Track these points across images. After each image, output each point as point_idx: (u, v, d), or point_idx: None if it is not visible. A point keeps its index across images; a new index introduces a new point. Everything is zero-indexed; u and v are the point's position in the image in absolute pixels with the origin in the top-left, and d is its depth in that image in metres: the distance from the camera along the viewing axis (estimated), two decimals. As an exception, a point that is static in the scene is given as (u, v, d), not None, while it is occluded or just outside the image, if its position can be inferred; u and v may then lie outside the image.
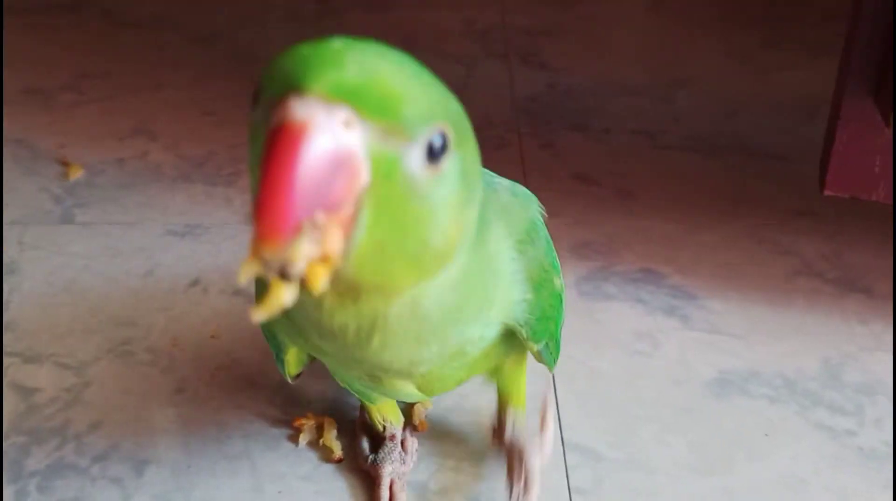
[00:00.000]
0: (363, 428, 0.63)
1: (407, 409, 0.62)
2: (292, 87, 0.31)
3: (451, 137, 0.34)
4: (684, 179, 0.98)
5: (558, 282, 0.51)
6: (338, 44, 0.33)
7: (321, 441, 0.62)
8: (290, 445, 0.62)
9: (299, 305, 0.36)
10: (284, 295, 0.32)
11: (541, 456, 0.57)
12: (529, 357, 0.54)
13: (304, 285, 0.32)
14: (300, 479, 0.60)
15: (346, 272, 0.34)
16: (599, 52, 1.25)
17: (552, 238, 0.51)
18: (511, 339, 0.48)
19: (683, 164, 1.02)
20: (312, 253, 0.31)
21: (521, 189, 0.51)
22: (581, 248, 0.84)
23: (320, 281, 0.32)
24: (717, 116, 1.14)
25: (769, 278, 0.81)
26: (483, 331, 0.45)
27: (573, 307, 0.76)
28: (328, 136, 0.31)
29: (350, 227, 0.32)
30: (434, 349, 0.43)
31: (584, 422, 0.64)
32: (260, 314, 0.33)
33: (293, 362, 0.53)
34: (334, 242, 0.32)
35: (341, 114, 0.31)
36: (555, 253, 0.51)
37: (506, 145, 1.05)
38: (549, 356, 0.52)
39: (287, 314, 0.42)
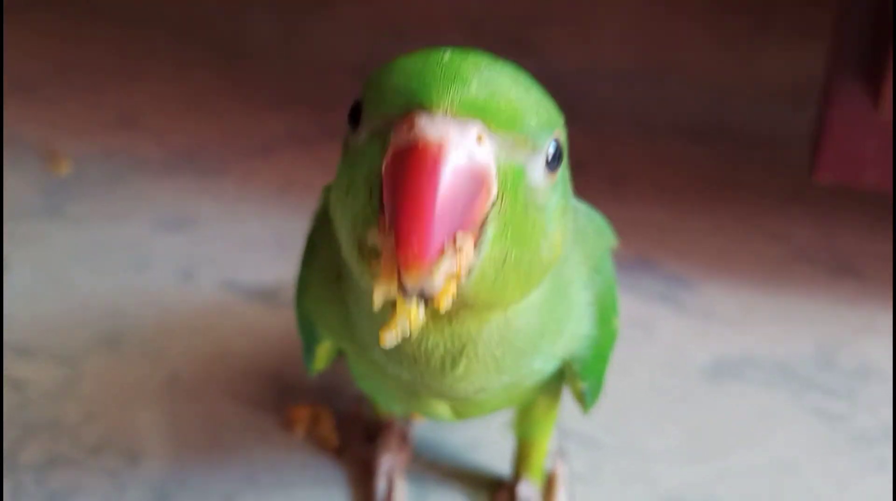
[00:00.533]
0: (360, 419, 0.62)
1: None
2: (417, 104, 0.30)
3: (564, 143, 0.34)
4: (675, 165, 0.99)
5: (615, 322, 0.48)
6: (449, 56, 0.32)
7: (317, 431, 0.62)
8: (284, 436, 0.62)
9: (371, 322, 0.36)
10: (417, 317, 0.32)
11: None
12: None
13: (430, 304, 0.31)
14: (296, 469, 0.60)
15: (465, 289, 0.32)
16: (588, 39, 1.25)
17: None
18: (556, 379, 0.46)
19: (674, 150, 1.02)
20: (450, 270, 0.31)
21: (598, 216, 0.49)
22: (574, 235, 0.84)
23: (447, 299, 0.31)
24: (707, 102, 1.14)
25: (762, 264, 0.81)
26: (546, 364, 0.43)
27: (567, 295, 0.76)
28: (464, 153, 0.30)
29: (477, 243, 0.32)
30: (506, 378, 0.41)
31: (579, 410, 0.64)
32: (392, 339, 0.32)
33: (323, 356, 0.49)
34: (468, 257, 0.31)
35: (474, 129, 0.30)
36: (616, 292, 0.48)
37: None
38: (590, 398, 0.49)
39: (347, 322, 0.42)
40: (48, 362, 0.69)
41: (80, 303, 0.76)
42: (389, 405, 0.54)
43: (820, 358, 0.70)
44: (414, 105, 0.30)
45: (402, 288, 0.30)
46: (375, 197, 0.31)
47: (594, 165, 0.97)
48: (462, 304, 0.34)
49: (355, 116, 0.34)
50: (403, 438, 0.60)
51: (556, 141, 0.33)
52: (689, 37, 1.24)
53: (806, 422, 0.64)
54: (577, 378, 0.45)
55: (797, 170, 0.94)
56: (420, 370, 0.39)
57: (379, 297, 0.31)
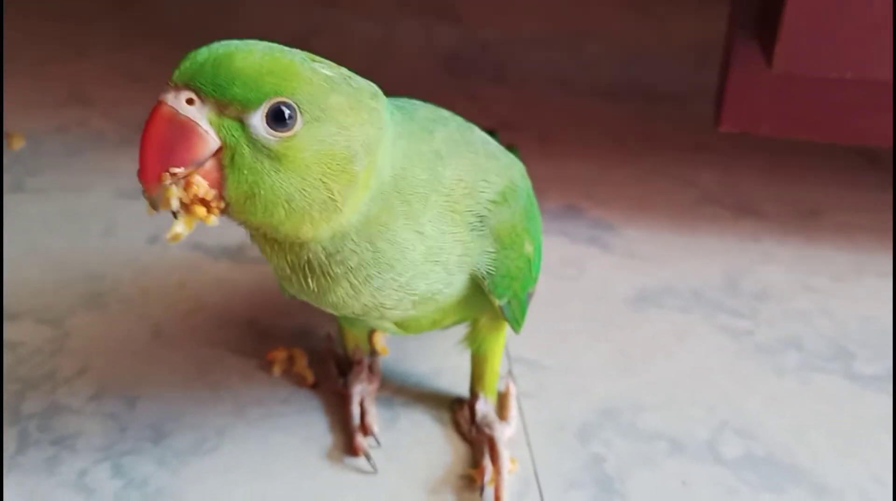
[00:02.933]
0: (332, 356, 0.70)
1: (368, 336, 0.70)
2: (170, 79, 0.43)
3: (302, 107, 0.43)
4: (594, 123, 1.08)
5: (529, 248, 0.56)
6: (212, 45, 0.44)
7: (294, 369, 0.69)
8: (265, 375, 0.69)
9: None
10: (176, 227, 0.44)
11: (507, 433, 0.63)
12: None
13: (201, 219, 0.44)
14: (279, 403, 0.67)
15: (237, 214, 0.45)
16: (509, 8, 1.32)
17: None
18: (480, 294, 0.54)
19: (593, 109, 1.12)
20: (182, 196, 0.43)
21: (507, 157, 0.57)
22: (508, 189, 0.93)
23: (208, 218, 0.44)
24: (621, 64, 1.23)
25: (675, 207, 0.91)
26: (444, 279, 0.51)
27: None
28: (172, 110, 0.42)
29: (220, 181, 0.43)
30: (396, 295, 0.50)
31: (524, 338, 0.73)
32: (169, 240, 0.44)
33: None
34: (202, 189, 0.43)
35: (184, 94, 0.42)
36: (534, 221, 0.57)
37: (431, 100, 1.12)
38: (511, 315, 0.57)
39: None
40: (35, 324, 0.74)
41: (57, 268, 0.81)
42: (352, 322, 0.65)
43: (727, 285, 0.80)
44: (170, 80, 0.43)
45: (150, 202, 0.43)
46: None
47: (522, 126, 1.06)
48: (256, 228, 0.46)
49: None
50: (371, 370, 0.68)
51: (282, 102, 0.43)
52: (603, 3, 1.33)
53: (717, 338, 0.74)
54: (490, 294, 0.54)
55: (702, 123, 1.05)
56: (296, 287, 0.50)
57: (148, 209, 0.44)
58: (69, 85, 1.14)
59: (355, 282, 0.49)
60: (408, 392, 0.68)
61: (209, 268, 0.81)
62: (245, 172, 0.43)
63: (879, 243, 0.85)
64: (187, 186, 0.43)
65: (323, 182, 0.44)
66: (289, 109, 0.43)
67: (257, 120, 0.43)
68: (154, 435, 0.64)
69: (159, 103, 0.42)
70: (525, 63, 1.24)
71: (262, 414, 0.66)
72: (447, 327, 0.61)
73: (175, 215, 0.44)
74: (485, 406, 0.64)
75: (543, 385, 0.69)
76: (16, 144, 1.00)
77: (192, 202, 0.43)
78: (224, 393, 0.68)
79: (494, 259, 0.53)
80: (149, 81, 1.16)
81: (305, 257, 0.48)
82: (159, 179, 0.42)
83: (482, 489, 0.59)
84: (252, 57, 0.43)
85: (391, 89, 0.51)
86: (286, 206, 0.44)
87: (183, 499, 0.59)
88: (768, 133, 0.83)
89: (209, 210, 0.44)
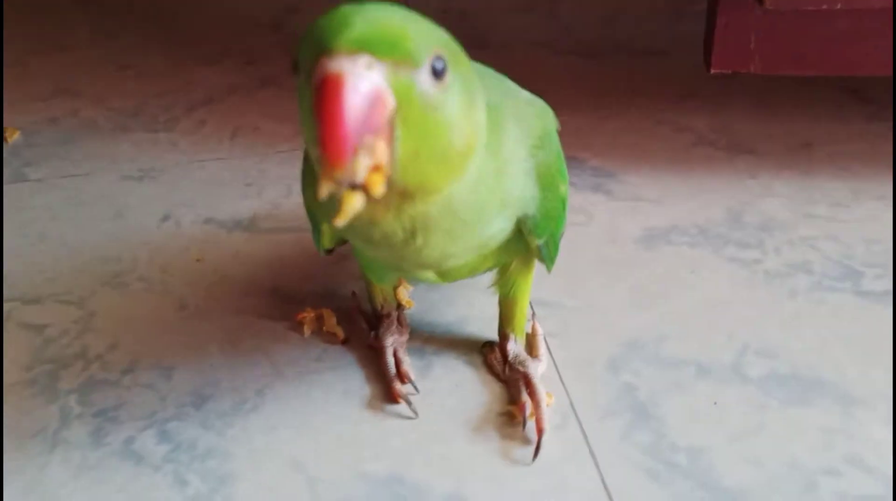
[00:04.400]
0: (359, 312, 0.71)
1: (393, 291, 0.71)
2: (321, 51, 0.40)
3: (447, 58, 0.43)
4: (583, 80, 1.10)
5: (563, 188, 0.58)
6: (345, 9, 0.42)
7: (324, 328, 0.71)
8: (296, 336, 0.70)
9: (349, 227, 0.46)
10: (356, 202, 0.42)
11: (540, 369, 0.65)
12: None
13: (367, 191, 0.41)
14: (314, 361, 0.68)
15: (395, 178, 0.43)
16: (487, -26, 1.33)
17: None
18: (519, 238, 0.56)
19: (577, 69, 1.13)
20: (369, 165, 0.40)
21: (540, 102, 0.59)
22: (508, 146, 0.94)
23: (379, 186, 0.41)
24: (598, 24, 1.25)
25: (672, 152, 0.93)
26: (502, 225, 0.53)
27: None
28: (358, 78, 0.40)
29: (391, 143, 0.41)
30: (462, 243, 0.51)
31: (544, 283, 0.74)
32: (341, 221, 0.42)
33: (326, 239, 0.60)
34: (383, 154, 0.41)
35: (362, 60, 0.40)
36: (564, 163, 0.58)
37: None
38: (547, 254, 0.59)
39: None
40: (58, 306, 0.75)
41: (70, 254, 0.81)
42: (384, 277, 0.66)
43: (730, 220, 0.82)
44: (321, 51, 0.40)
45: (336, 182, 0.40)
46: (312, 122, 0.41)
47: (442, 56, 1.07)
48: (400, 191, 0.44)
49: (295, 65, 0.44)
50: (400, 322, 0.69)
51: (438, 56, 0.42)
52: (577, -37, 1.34)
53: (728, 268, 0.76)
54: (531, 235, 0.56)
55: (688, 72, 1.07)
56: (387, 247, 0.50)
57: (324, 191, 0.40)
58: (53, 78, 1.14)
59: (454, 232, 0.50)
60: (437, 341, 0.70)
61: (225, 241, 0.82)
62: (416, 128, 0.42)
63: (872, 169, 0.88)
64: (374, 154, 0.41)
65: (469, 124, 0.45)
66: (442, 60, 0.43)
67: (425, 75, 0.42)
68: (195, 400, 0.65)
69: (334, 76, 0.39)
70: (504, 29, 1.25)
71: (298, 372, 0.67)
72: (480, 274, 0.62)
73: (354, 187, 0.41)
74: (516, 346, 0.66)
75: (567, 324, 0.71)
76: (10, 137, 1.00)
77: (373, 171, 0.41)
78: (258, 356, 0.69)
79: (538, 201, 0.54)
80: (132, 69, 1.16)
81: (423, 212, 0.47)
82: (356, 152, 0.40)
83: (524, 422, 0.61)
84: (403, 16, 0.43)
85: None
86: (445, 155, 0.44)
87: (233, 457, 0.60)
88: (759, 71, 0.85)
89: (382, 176, 0.42)
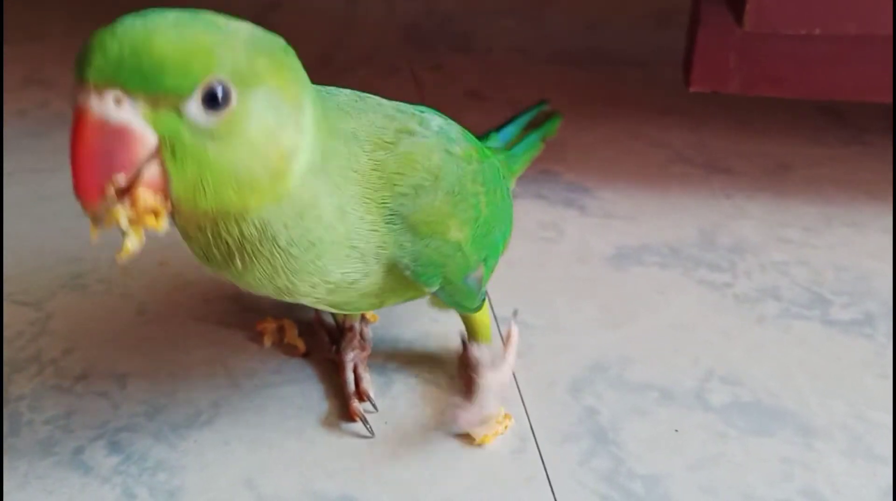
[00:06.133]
0: (321, 324, 0.70)
1: (357, 304, 0.70)
2: (78, 78, 0.38)
3: (233, 81, 0.39)
4: (561, 89, 1.09)
5: (459, 234, 0.52)
6: (110, 28, 0.38)
7: (284, 339, 0.69)
8: (255, 346, 0.69)
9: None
10: (129, 244, 0.42)
11: (496, 381, 0.61)
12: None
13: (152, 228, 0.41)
14: (272, 373, 0.67)
15: (185, 207, 0.41)
16: (472, -22, 1.32)
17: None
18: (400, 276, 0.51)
19: (557, 76, 1.13)
20: (129, 214, 0.40)
21: (437, 126, 0.53)
22: (483, 156, 0.93)
23: (160, 225, 0.41)
24: (581, 32, 1.24)
25: (647, 168, 0.93)
26: (357, 267, 0.49)
27: (484, 207, 0.85)
28: (97, 116, 0.37)
29: (163, 179, 0.39)
30: (301, 278, 0.48)
31: (509, 299, 0.74)
32: (121, 259, 0.42)
33: None
34: (147, 199, 0.39)
35: (110, 95, 0.37)
36: (471, 206, 0.53)
37: (397, 71, 1.12)
38: (451, 300, 0.55)
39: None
40: (14, 306, 0.73)
41: (31, 252, 0.80)
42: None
43: (702, 240, 0.82)
44: (77, 79, 0.38)
45: (96, 223, 0.40)
46: None
47: (491, 95, 1.07)
48: (202, 213, 0.42)
49: None
50: (363, 337, 0.68)
51: (213, 83, 0.39)
52: (563, -29, 1.33)
53: (697, 291, 0.76)
54: (417, 282, 0.52)
55: (667, 86, 1.06)
56: (212, 267, 0.47)
57: (94, 234, 0.41)
58: (23, 69, 1.12)
59: (277, 261, 0.46)
60: (400, 357, 0.69)
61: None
62: (189, 163, 0.39)
63: (846, 195, 0.88)
64: (133, 202, 0.39)
65: (267, 151, 0.41)
66: (223, 86, 0.39)
67: (194, 106, 0.39)
68: (148, 410, 0.64)
69: (82, 111, 0.37)
70: (488, 34, 1.24)
71: (255, 385, 0.66)
72: (397, 304, 0.58)
73: (124, 233, 0.41)
74: (478, 350, 0.63)
75: (531, 344, 0.70)
76: (-23, 129, 0.98)
77: (141, 215, 0.40)
78: (216, 366, 0.67)
79: (412, 251, 0.50)
80: (109, 61, 1.14)
81: (236, 235, 0.44)
82: (102, 194, 0.38)
83: (453, 421, 0.60)
84: (171, 36, 0.38)
85: (355, 62, 0.51)
86: (235, 184, 0.41)
87: (184, 471, 0.59)
88: (738, 92, 0.84)
89: (158, 216, 0.41)
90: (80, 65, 0.38)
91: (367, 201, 0.48)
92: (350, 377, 0.65)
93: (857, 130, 0.99)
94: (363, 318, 0.70)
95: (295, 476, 0.58)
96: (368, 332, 0.69)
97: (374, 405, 0.63)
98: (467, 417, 0.59)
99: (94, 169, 0.38)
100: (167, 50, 0.38)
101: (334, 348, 0.67)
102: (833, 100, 0.93)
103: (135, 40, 0.38)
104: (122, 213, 0.39)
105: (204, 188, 0.40)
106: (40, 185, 0.89)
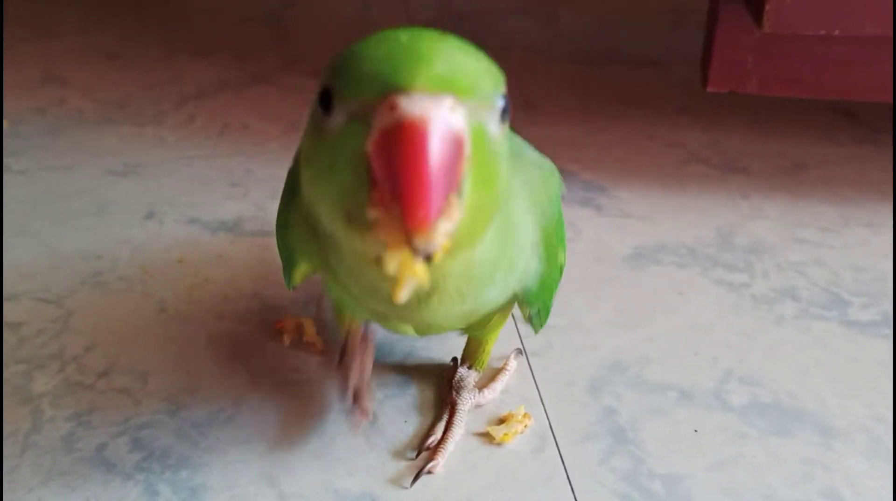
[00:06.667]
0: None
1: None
2: (394, 87, 0.34)
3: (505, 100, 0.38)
4: (576, 88, 1.09)
5: (562, 256, 0.54)
6: (408, 38, 0.36)
7: (303, 338, 0.70)
8: (275, 344, 0.69)
9: (349, 270, 0.43)
10: (422, 273, 0.36)
11: (471, 402, 0.62)
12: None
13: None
14: (291, 371, 0.67)
15: (459, 238, 0.36)
16: (486, -23, 1.32)
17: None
18: (507, 303, 0.52)
19: (573, 76, 1.13)
20: (449, 229, 0.34)
21: (548, 164, 0.54)
22: (499, 155, 0.94)
23: (444, 252, 0.35)
24: (596, 31, 1.24)
25: (663, 167, 0.93)
26: (501, 294, 0.49)
27: (501, 206, 0.86)
28: (445, 124, 0.33)
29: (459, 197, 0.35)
30: (468, 307, 0.46)
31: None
32: (404, 295, 0.36)
33: (298, 276, 0.55)
34: (457, 214, 0.35)
35: (447, 102, 0.34)
36: (564, 228, 0.55)
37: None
38: (537, 321, 0.55)
39: (327, 261, 0.47)
40: (36, 304, 0.74)
41: (50, 250, 0.80)
42: (359, 316, 0.61)
43: (719, 240, 0.82)
44: (391, 88, 0.34)
45: (412, 250, 0.34)
46: (363, 174, 0.34)
47: (508, 94, 1.07)
48: (445, 249, 0.37)
49: (326, 102, 0.36)
50: (366, 342, 0.64)
51: (504, 96, 0.37)
52: (576, -30, 1.33)
53: (714, 292, 0.76)
54: (525, 305, 0.52)
55: (682, 85, 1.06)
56: (390, 303, 0.41)
57: (392, 262, 0.35)
58: (42, 65, 1.12)
59: (468, 292, 0.45)
60: (394, 365, 0.68)
61: (208, 243, 0.81)
62: (482, 179, 0.36)
63: (862, 195, 0.88)
64: (450, 215, 0.34)
65: (503, 180, 0.39)
66: (507, 99, 0.37)
67: (494, 117, 0.37)
68: (170, 408, 0.64)
69: (418, 118, 0.33)
70: (502, 33, 1.24)
71: (275, 383, 0.66)
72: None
73: (426, 257, 0.35)
74: (466, 373, 0.63)
75: (551, 344, 0.70)
76: (-3, 125, 0.99)
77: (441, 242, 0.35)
78: (236, 364, 0.68)
79: (537, 275, 0.50)
80: (122, 59, 1.15)
81: (446, 272, 0.42)
82: (440, 214, 0.33)
83: (423, 449, 0.60)
84: (469, 48, 0.37)
85: None
86: (494, 208, 0.38)
87: (206, 468, 0.59)
88: (755, 92, 0.84)
89: (449, 240, 0.35)
90: (395, 72, 0.34)
91: (522, 226, 0.47)
92: (352, 390, 0.61)
93: (872, 130, 0.99)
94: (366, 331, 0.65)
95: (316, 473, 0.59)
96: (373, 335, 0.65)
97: (372, 417, 0.61)
98: (441, 445, 0.59)
99: (439, 184, 0.33)
100: (482, 61, 0.36)
101: (337, 357, 0.64)
102: (848, 100, 0.92)
103: (449, 48, 0.35)
104: (443, 229, 0.34)
105: (477, 211, 0.36)
106: (57, 183, 0.90)
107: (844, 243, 0.81)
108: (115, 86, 1.08)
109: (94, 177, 0.90)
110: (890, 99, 0.82)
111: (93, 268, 0.78)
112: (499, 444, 0.61)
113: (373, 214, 0.35)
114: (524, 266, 0.49)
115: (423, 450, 0.60)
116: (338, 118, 0.36)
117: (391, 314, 0.49)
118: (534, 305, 0.52)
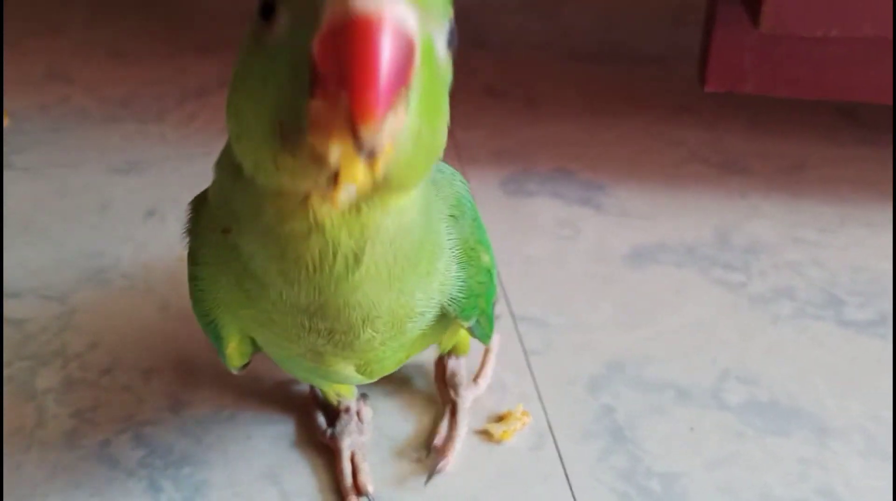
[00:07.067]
0: (316, 403, 0.64)
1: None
2: None
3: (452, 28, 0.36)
4: (578, 86, 1.09)
5: (486, 258, 0.51)
6: None
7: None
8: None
9: (272, 244, 0.40)
10: (360, 175, 0.34)
11: (471, 396, 0.62)
12: None
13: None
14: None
15: (388, 165, 0.35)
16: (487, -27, 1.32)
17: (473, 147, 0.55)
18: (445, 318, 0.49)
19: (574, 73, 1.13)
20: (395, 128, 0.33)
21: (445, 166, 0.51)
22: (500, 154, 0.94)
23: (385, 163, 0.34)
24: (597, 28, 1.25)
25: (663, 166, 0.93)
26: (427, 302, 0.46)
27: (501, 205, 0.86)
28: (398, 21, 0.32)
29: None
30: (390, 299, 0.43)
31: (527, 298, 0.74)
32: (344, 198, 0.36)
33: (236, 354, 0.52)
34: (402, 122, 0.33)
35: (400, 3, 0.32)
36: (483, 228, 0.52)
37: (414, 67, 1.12)
38: (480, 331, 0.53)
39: (244, 285, 0.44)
40: (39, 301, 0.74)
41: (54, 246, 0.81)
42: (313, 381, 0.59)
43: (718, 240, 0.82)
44: None
45: (356, 143, 0.32)
46: (304, 76, 0.33)
47: (509, 92, 1.07)
48: (373, 184, 0.36)
49: (267, 9, 0.35)
50: (361, 418, 0.62)
51: (451, 21, 0.36)
52: (578, -33, 1.33)
53: (713, 291, 0.76)
54: (458, 318, 0.49)
55: (684, 83, 1.07)
56: (319, 279, 0.40)
57: (334, 151, 0.33)
58: (46, 61, 1.12)
59: (395, 270, 0.42)
60: (403, 440, 0.63)
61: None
62: (424, 100, 0.35)
63: (861, 195, 0.88)
64: (395, 117, 0.33)
65: (445, 117, 0.38)
66: (453, 26, 0.36)
67: (442, 38, 0.35)
68: (173, 405, 0.65)
69: (372, 14, 0.31)
70: (504, 29, 1.24)
71: (277, 382, 0.67)
72: (403, 363, 0.54)
73: (369, 157, 0.34)
74: (455, 363, 0.63)
75: (550, 342, 0.70)
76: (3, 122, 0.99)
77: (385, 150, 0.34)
78: (238, 362, 0.68)
79: (459, 281, 0.48)
80: (127, 56, 1.15)
81: (377, 225, 0.39)
82: (393, 107, 0.32)
83: (431, 449, 0.60)
84: None
85: None
86: (431, 147, 0.37)
87: (209, 465, 0.60)
88: (753, 92, 0.85)
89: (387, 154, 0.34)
90: None
91: (440, 229, 0.47)
92: (347, 467, 0.58)
93: (871, 130, 0.99)
94: (362, 395, 0.64)
95: (318, 471, 0.59)
96: (367, 413, 0.63)
97: (371, 496, 0.57)
98: (449, 445, 0.59)
99: (391, 76, 0.31)
100: None
101: (330, 431, 0.61)
102: (848, 100, 0.93)
103: None
104: (390, 127, 0.33)
105: (418, 138, 0.35)
106: (61, 180, 0.90)
107: (843, 244, 0.81)
108: (118, 83, 1.08)
109: (98, 174, 0.91)
110: (890, 99, 0.83)
111: (96, 265, 0.78)
112: (497, 442, 0.61)
113: (314, 107, 0.33)
114: (444, 269, 0.47)
115: (431, 450, 0.60)
116: (280, 23, 0.35)
117: (327, 339, 0.45)
118: (469, 315, 0.50)
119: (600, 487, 0.58)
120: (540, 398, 0.65)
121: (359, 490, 0.57)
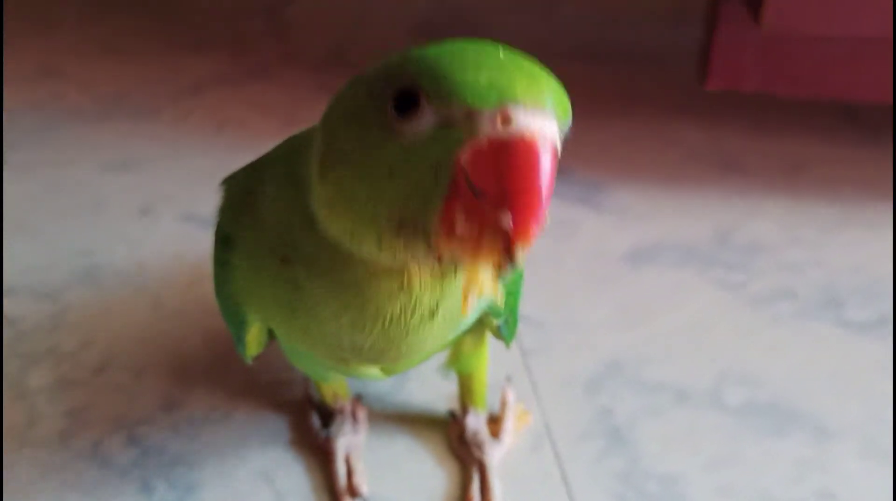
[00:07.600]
0: (310, 403, 0.63)
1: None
2: (510, 98, 0.33)
3: None
4: (577, 85, 1.07)
5: None
6: (498, 50, 0.35)
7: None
8: (271, 342, 0.69)
9: (326, 302, 0.40)
10: (494, 286, 0.38)
11: (498, 455, 0.59)
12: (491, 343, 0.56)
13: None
14: (287, 369, 0.66)
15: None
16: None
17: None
18: (473, 324, 0.49)
19: (574, 72, 1.11)
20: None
21: None
22: (497, 152, 0.93)
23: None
24: (595, 27, 1.24)
25: (662, 166, 0.93)
26: (472, 315, 0.47)
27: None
28: (552, 140, 0.33)
29: None
30: (445, 333, 0.44)
31: (525, 297, 0.73)
32: (472, 306, 0.38)
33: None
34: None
35: (549, 119, 0.33)
36: None
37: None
38: (507, 331, 0.52)
39: (291, 304, 0.43)
40: (33, 298, 0.73)
41: (47, 244, 0.80)
42: (322, 376, 0.58)
43: (717, 240, 0.82)
44: (507, 99, 0.33)
45: (505, 262, 0.33)
46: (443, 182, 0.33)
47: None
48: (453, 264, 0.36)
49: (407, 104, 0.34)
50: (357, 418, 0.61)
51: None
52: (576, -34, 1.33)
53: (712, 291, 0.75)
54: (489, 315, 0.49)
55: (683, 83, 1.06)
56: (391, 330, 0.41)
57: (480, 272, 0.36)
58: (40, 58, 1.12)
59: (457, 305, 0.42)
60: (391, 417, 0.64)
61: (204, 239, 0.80)
62: None
63: (862, 196, 0.87)
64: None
65: None
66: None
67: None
68: (165, 405, 0.64)
69: (536, 132, 0.32)
70: (500, 28, 1.24)
71: (270, 381, 0.66)
72: (424, 361, 0.54)
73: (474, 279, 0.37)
74: (475, 421, 0.60)
75: (548, 342, 0.70)
76: (-8, 120, 0.98)
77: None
78: (231, 361, 0.67)
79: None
80: (121, 53, 1.14)
81: (446, 289, 0.40)
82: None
83: None
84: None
85: (368, 57, 0.50)
86: None
87: (202, 465, 0.59)
88: (754, 90, 0.84)
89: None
90: (509, 84, 0.33)
91: None
92: (341, 469, 0.58)
93: (872, 130, 0.98)
94: (357, 396, 0.63)
95: (312, 472, 0.59)
96: (363, 413, 0.62)
97: (363, 497, 0.57)
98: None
99: (548, 199, 0.33)
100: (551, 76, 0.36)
101: (325, 431, 0.60)
102: (848, 100, 0.92)
103: (542, 69, 0.35)
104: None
105: None
106: (58, 177, 0.89)
107: (843, 244, 0.81)
108: (112, 80, 1.07)
109: (91, 172, 0.90)
110: (890, 99, 0.82)
111: (89, 263, 0.78)
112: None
113: (449, 214, 0.33)
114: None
115: None
116: (423, 121, 0.34)
117: (365, 354, 0.44)
118: (499, 314, 0.50)
119: (598, 488, 0.58)
120: (537, 399, 0.65)
121: (353, 491, 0.57)
